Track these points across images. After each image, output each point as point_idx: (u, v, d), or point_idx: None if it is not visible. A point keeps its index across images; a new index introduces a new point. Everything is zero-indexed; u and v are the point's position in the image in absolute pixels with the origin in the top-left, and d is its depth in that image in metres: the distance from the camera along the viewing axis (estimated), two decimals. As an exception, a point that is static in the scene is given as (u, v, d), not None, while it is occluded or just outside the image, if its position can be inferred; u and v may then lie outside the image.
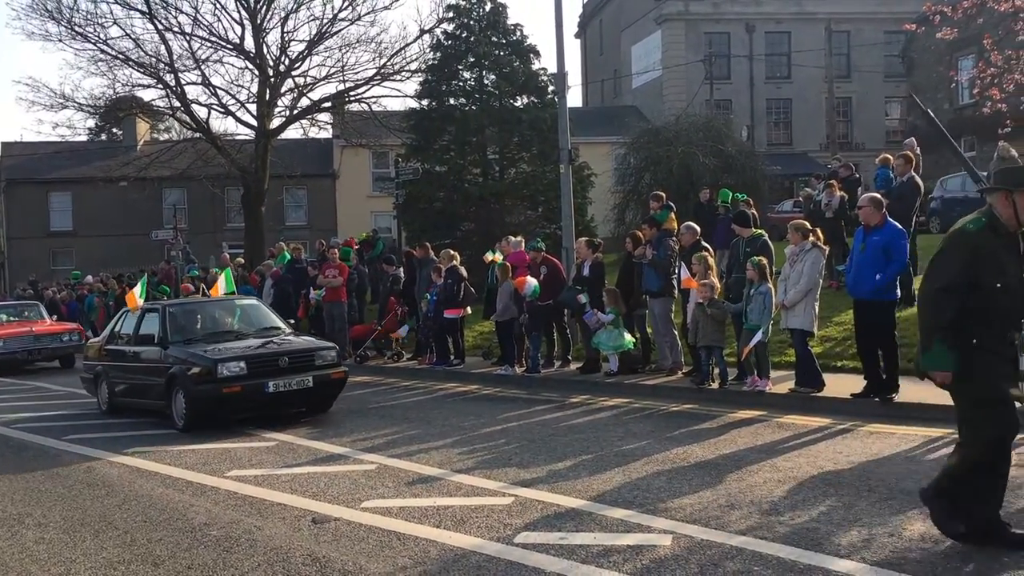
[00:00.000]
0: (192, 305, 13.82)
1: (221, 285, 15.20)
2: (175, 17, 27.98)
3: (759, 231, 11.75)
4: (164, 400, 11.41)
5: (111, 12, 36.57)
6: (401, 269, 18.01)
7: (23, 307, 24.02)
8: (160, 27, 27.44)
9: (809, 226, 10.68)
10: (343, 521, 6.59)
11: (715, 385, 11.16)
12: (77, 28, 26.99)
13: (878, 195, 10.21)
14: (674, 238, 12.40)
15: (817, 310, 10.42)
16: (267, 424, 10.95)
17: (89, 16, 27.36)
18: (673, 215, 13.07)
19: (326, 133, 32.83)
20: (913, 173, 12.92)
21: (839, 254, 14.37)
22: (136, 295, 13.55)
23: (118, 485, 8.32)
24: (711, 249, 12.33)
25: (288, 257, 20.23)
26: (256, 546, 6.14)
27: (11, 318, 22.56)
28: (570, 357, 14.16)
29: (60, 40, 27.29)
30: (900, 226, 9.69)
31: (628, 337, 12.68)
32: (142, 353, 12.26)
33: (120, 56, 27.50)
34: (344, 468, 8.42)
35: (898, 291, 9.78)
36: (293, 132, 32.11)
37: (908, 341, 11.20)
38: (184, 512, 7.16)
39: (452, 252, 15.91)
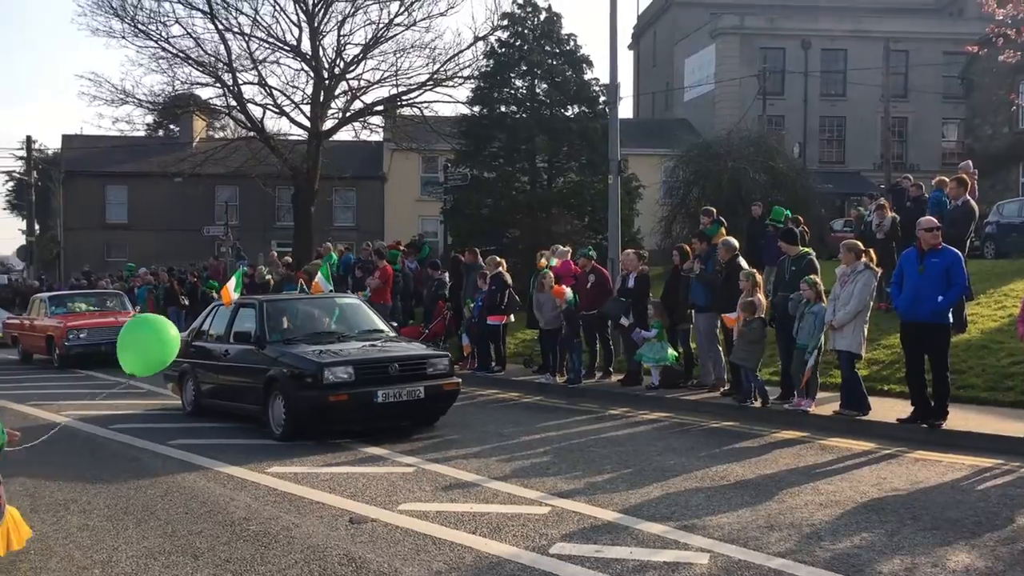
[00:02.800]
0: (292, 302, 12.72)
1: (322, 282, 14.55)
2: (235, 18, 28.54)
3: (806, 249, 11.60)
4: (260, 405, 10.47)
5: (173, 11, 37.46)
6: (447, 274, 18.07)
7: (106, 296, 22.44)
8: (220, 27, 27.95)
9: (862, 247, 10.52)
10: (380, 523, 6.63)
11: (757, 404, 11.03)
12: (140, 26, 27.57)
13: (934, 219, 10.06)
14: (723, 253, 12.29)
15: (866, 332, 10.26)
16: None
17: (152, 14, 27.94)
18: (723, 230, 12.96)
19: (377, 136, 33.14)
20: (968, 197, 12.69)
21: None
22: (231, 289, 12.30)
23: (161, 476, 8.46)
24: (747, 266, 12.15)
25: (335, 257, 20.41)
26: (294, 543, 6.20)
27: (92, 308, 21.03)
28: (612, 369, 14.10)
29: (123, 37, 27.87)
30: (955, 250, 9.59)
31: (671, 351, 12.60)
32: (236, 352, 11.22)
33: (180, 54, 28.04)
34: (382, 469, 8.47)
35: (950, 316, 9.59)
36: (345, 134, 32.38)
37: (959, 368, 11.00)
38: (224, 506, 7.26)
39: (498, 259, 15.92)
